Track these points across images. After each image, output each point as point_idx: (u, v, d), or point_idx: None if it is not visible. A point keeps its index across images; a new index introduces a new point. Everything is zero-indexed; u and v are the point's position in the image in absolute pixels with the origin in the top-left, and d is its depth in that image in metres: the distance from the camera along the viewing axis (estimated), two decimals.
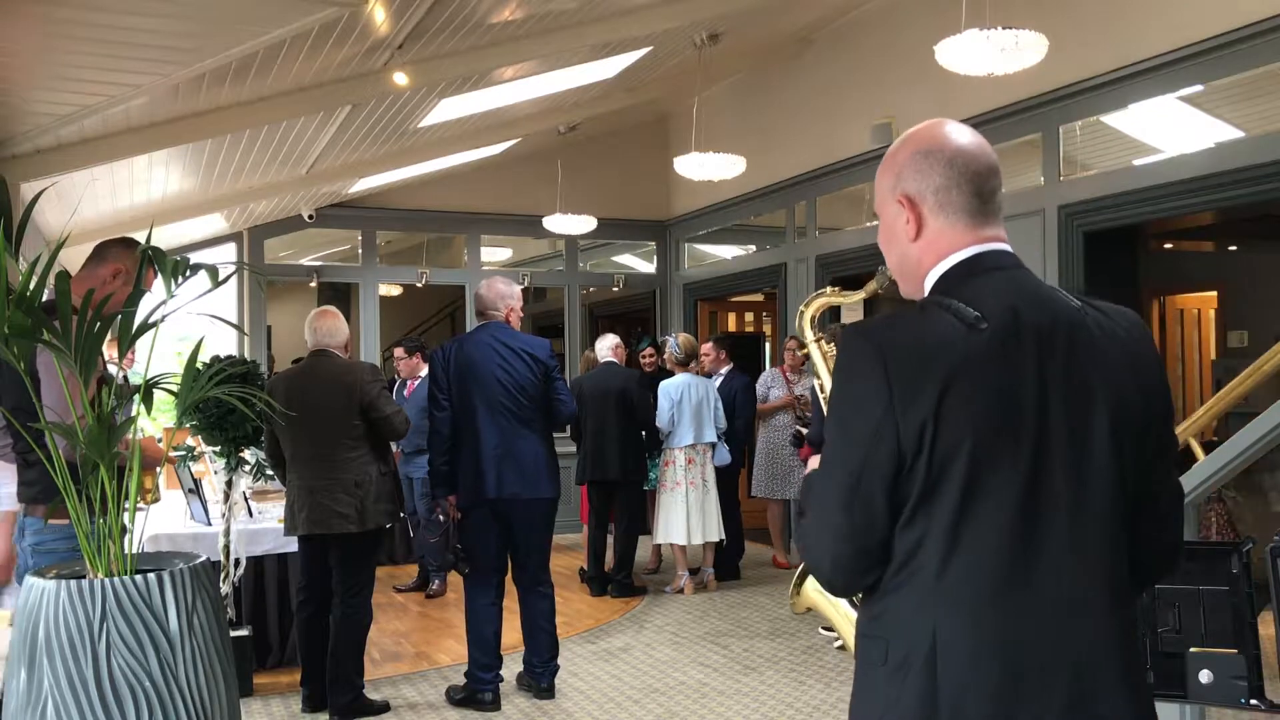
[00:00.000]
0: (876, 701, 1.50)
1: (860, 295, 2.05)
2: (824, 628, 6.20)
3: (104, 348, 2.58)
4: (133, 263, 3.14)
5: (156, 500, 3.14)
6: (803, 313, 2.09)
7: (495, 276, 5.44)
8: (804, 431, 6.37)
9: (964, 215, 1.56)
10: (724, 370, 7.91)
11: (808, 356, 2.09)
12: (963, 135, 1.59)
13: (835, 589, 1.61)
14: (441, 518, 4.77)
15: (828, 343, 2.05)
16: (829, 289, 2.08)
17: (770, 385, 7.95)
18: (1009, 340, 1.46)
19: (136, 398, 2.59)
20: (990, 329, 1.45)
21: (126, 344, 2.55)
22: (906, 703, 1.45)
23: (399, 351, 7.70)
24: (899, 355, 1.45)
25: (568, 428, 7.42)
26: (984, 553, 1.44)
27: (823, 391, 2.00)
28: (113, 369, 2.91)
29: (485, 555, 4.84)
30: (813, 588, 2.02)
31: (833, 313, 8.32)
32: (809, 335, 2.06)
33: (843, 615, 1.96)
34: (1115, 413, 1.49)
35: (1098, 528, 1.47)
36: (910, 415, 1.42)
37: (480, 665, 4.88)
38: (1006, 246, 1.58)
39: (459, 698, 4.92)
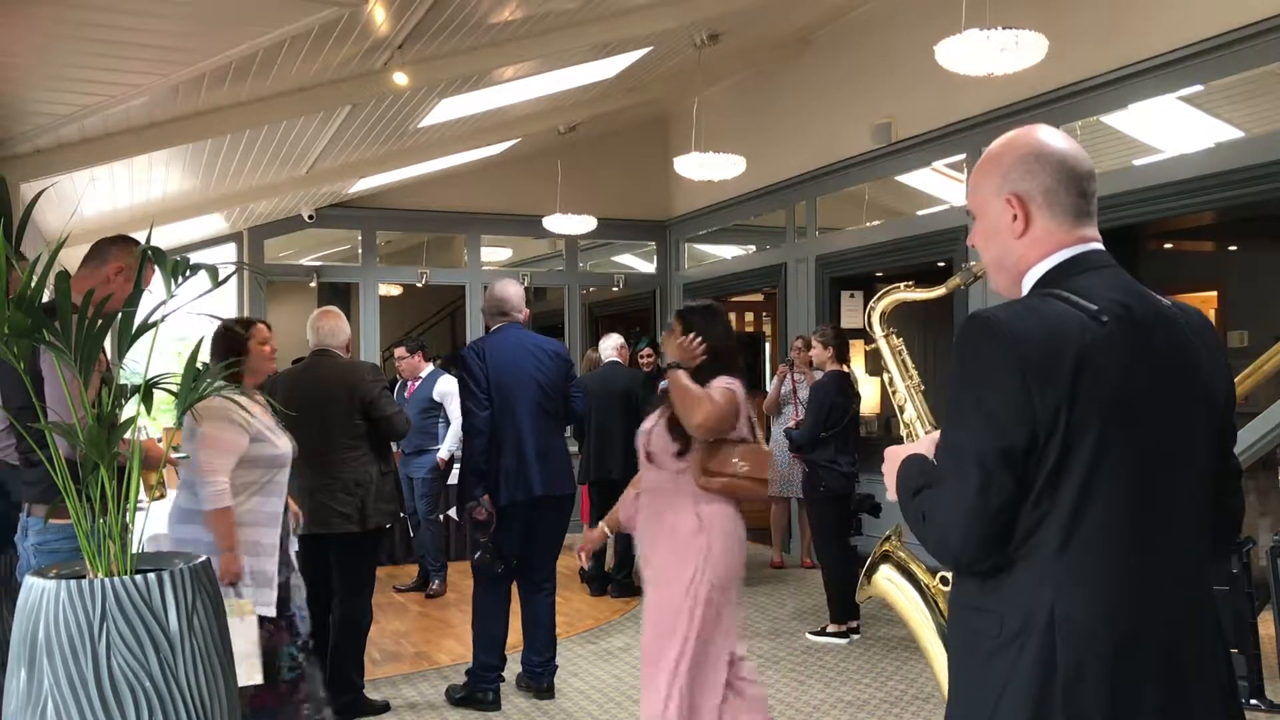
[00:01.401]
0: (989, 673, 1.57)
1: (941, 291, 2.09)
2: (811, 632, 6.19)
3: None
4: (134, 260, 3.14)
5: (162, 496, 3.15)
6: (873, 308, 2.14)
7: (507, 278, 5.44)
8: (793, 432, 6.37)
9: (1070, 215, 1.66)
10: None
11: (876, 351, 2.12)
12: (1065, 140, 1.70)
13: (960, 567, 1.66)
14: (482, 516, 4.72)
15: (897, 337, 2.10)
16: (902, 285, 2.13)
17: (784, 385, 7.91)
18: (1125, 331, 1.56)
19: (136, 398, 2.59)
20: (1109, 321, 1.56)
21: (127, 344, 2.55)
22: (1024, 672, 1.53)
23: (400, 351, 7.69)
24: (1030, 340, 1.53)
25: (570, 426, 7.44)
26: (1103, 530, 1.53)
27: (890, 385, 2.07)
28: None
29: (514, 553, 4.89)
30: (884, 579, 2.04)
31: (833, 313, 8.32)
32: (878, 330, 2.11)
33: (912, 603, 1.98)
34: (1206, 397, 1.63)
35: (1193, 503, 1.60)
36: (1047, 397, 1.51)
37: (486, 665, 4.88)
38: (1102, 247, 1.69)
39: (459, 697, 4.92)
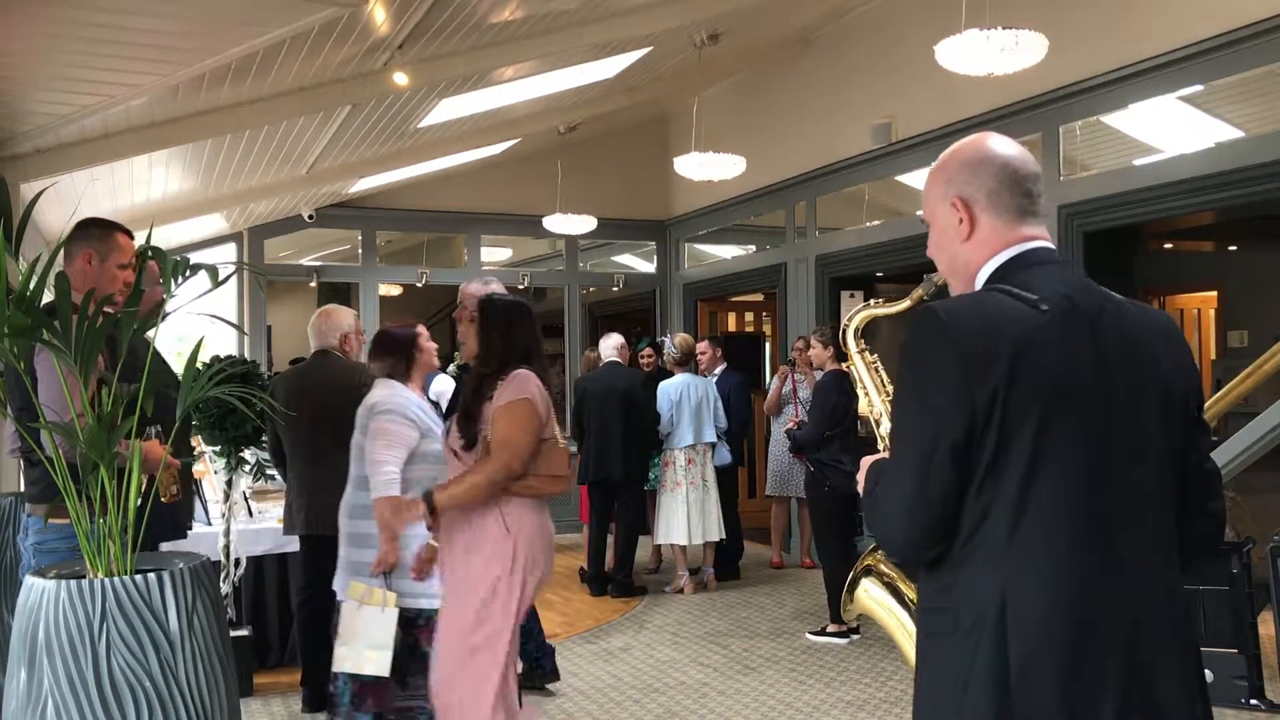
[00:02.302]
0: (948, 669, 1.57)
1: (906, 304, 2.11)
2: (811, 632, 6.19)
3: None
4: (97, 242, 3.11)
5: (177, 498, 3.17)
6: (847, 326, 2.16)
7: (494, 280, 5.44)
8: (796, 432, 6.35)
9: (1014, 215, 1.70)
10: (718, 370, 7.90)
11: (852, 368, 2.13)
12: (1010, 146, 1.74)
13: (905, 559, 1.70)
14: None
15: (870, 354, 2.11)
16: (873, 301, 2.15)
17: (785, 385, 7.90)
18: (1066, 320, 1.58)
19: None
20: (1050, 310, 1.57)
21: (126, 344, 2.55)
22: (979, 665, 1.53)
23: None
24: (969, 329, 1.56)
25: (570, 426, 7.45)
26: (1051, 517, 1.53)
27: (867, 400, 2.08)
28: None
29: None
30: (865, 593, 2.01)
31: (833, 313, 8.32)
32: (853, 346, 2.12)
33: (899, 623, 1.95)
34: (1162, 389, 1.62)
35: (1154, 493, 1.60)
36: (983, 387, 1.52)
37: None
38: (1050, 244, 1.71)
39: None
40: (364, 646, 3.55)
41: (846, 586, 2.06)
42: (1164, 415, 1.61)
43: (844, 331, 2.14)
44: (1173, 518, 1.62)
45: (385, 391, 3.83)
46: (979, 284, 1.70)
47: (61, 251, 2.48)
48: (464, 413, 3.32)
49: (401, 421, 3.74)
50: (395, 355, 3.93)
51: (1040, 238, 1.70)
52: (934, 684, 1.60)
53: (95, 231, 3.17)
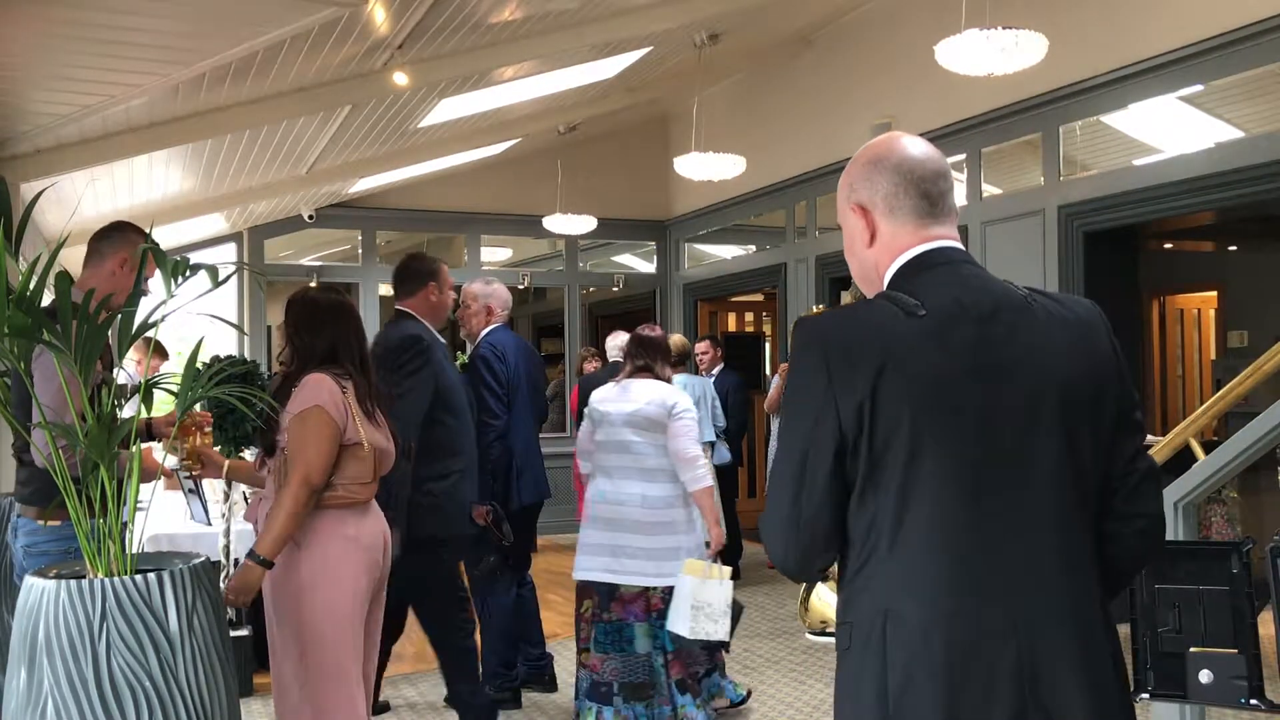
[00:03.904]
0: (843, 686, 1.54)
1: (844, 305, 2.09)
2: (811, 632, 6.18)
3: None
4: (132, 247, 3.11)
5: (198, 469, 3.18)
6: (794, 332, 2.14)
7: (489, 278, 5.51)
8: None
9: (912, 217, 1.62)
10: (716, 369, 7.90)
11: None
12: (910, 144, 1.66)
13: (790, 574, 1.65)
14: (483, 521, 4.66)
15: None
16: (815, 307, 2.13)
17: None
18: (947, 323, 1.52)
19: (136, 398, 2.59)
20: (929, 314, 1.51)
21: (127, 344, 2.55)
22: (864, 682, 1.49)
23: None
24: (836, 341, 1.51)
25: (570, 427, 7.47)
26: (929, 529, 1.48)
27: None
28: (126, 373, 2.90)
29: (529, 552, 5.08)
30: (818, 599, 2.02)
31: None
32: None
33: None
34: (1064, 391, 1.53)
35: (1047, 501, 1.51)
36: (848, 396, 1.48)
37: (509, 663, 4.91)
38: (956, 243, 1.64)
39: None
40: (704, 617, 3.99)
41: (800, 599, 2.06)
42: (1067, 416, 1.52)
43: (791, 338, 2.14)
44: (1079, 520, 1.53)
45: (678, 392, 4.31)
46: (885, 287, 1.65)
47: (59, 253, 2.48)
48: (265, 420, 3.08)
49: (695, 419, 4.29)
50: (652, 357, 4.38)
51: (943, 238, 1.62)
52: (839, 698, 1.57)
53: (133, 237, 3.14)
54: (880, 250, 1.65)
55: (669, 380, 4.33)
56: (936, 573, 1.47)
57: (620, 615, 4.20)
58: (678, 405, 4.20)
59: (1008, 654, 1.46)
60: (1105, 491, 1.57)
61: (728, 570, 4.12)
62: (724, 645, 4.34)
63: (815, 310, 2.22)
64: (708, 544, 4.28)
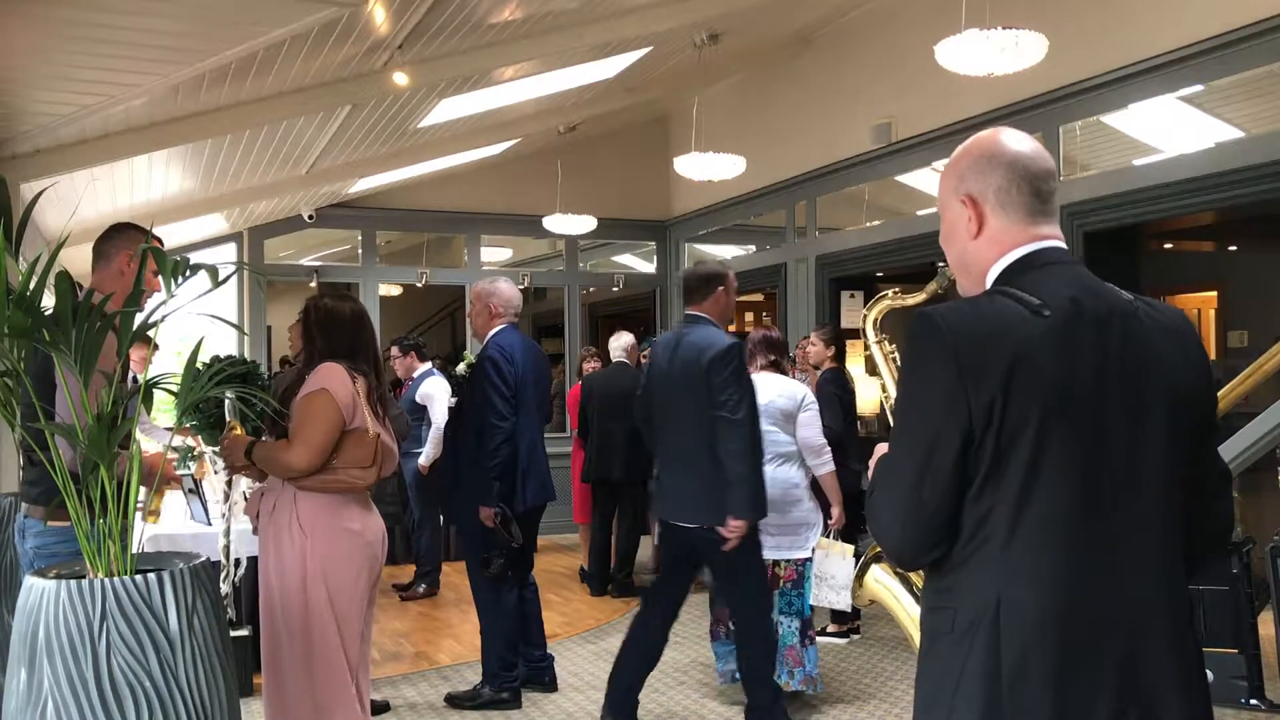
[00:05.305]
0: (943, 668, 1.57)
1: (922, 296, 2.14)
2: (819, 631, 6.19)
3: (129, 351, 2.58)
4: (136, 244, 3.14)
5: (156, 519, 3.23)
6: (866, 316, 2.18)
7: (500, 278, 5.42)
8: None
9: (1023, 213, 1.67)
10: None
11: (869, 357, 2.18)
12: (1020, 141, 1.70)
13: (903, 562, 1.70)
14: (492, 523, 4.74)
15: (889, 344, 2.14)
16: (890, 292, 2.18)
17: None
18: (1070, 325, 1.55)
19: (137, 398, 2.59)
20: (1053, 315, 1.55)
21: (127, 344, 2.55)
22: (972, 665, 1.53)
23: (394, 350, 7.61)
24: (967, 336, 1.54)
25: (577, 425, 7.50)
26: (1048, 522, 1.52)
27: (883, 391, 2.10)
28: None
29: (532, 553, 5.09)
30: (874, 579, 2.05)
31: (833, 313, 8.32)
32: (871, 337, 2.15)
33: (904, 609, 1.99)
34: (1170, 394, 1.59)
35: (1155, 499, 1.57)
36: (980, 392, 1.51)
37: (509, 664, 4.89)
38: (1062, 244, 1.68)
39: (480, 702, 4.85)
40: (827, 588, 4.46)
41: (856, 574, 2.11)
42: (1171, 419, 1.58)
43: (864, 320, 2.17)
44: (1178, 521, 1.60)
45: (804, 387, 4.89)
46: (988, 283, 1.68)
47: (61, 252, 2.48)
48: (278, 409, 3.24)
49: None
50: (778, 354, 4.94)
51: (1051, 237, 1.67)
52: (930, 683, 1.61)
53: (135, 235, 3.21)
54: (986, 243, 1.68)
55: (790, 375, 4.88)
56: (1055, 567, 1.52)
57: None
58: (806, 398, 4.77)
59: (1114, 651, 1.52)
60: (1190, 491, 1.63)
61: (850, 548, 4.54)
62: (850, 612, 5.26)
63: (892, 295, 2.21)
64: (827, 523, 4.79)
